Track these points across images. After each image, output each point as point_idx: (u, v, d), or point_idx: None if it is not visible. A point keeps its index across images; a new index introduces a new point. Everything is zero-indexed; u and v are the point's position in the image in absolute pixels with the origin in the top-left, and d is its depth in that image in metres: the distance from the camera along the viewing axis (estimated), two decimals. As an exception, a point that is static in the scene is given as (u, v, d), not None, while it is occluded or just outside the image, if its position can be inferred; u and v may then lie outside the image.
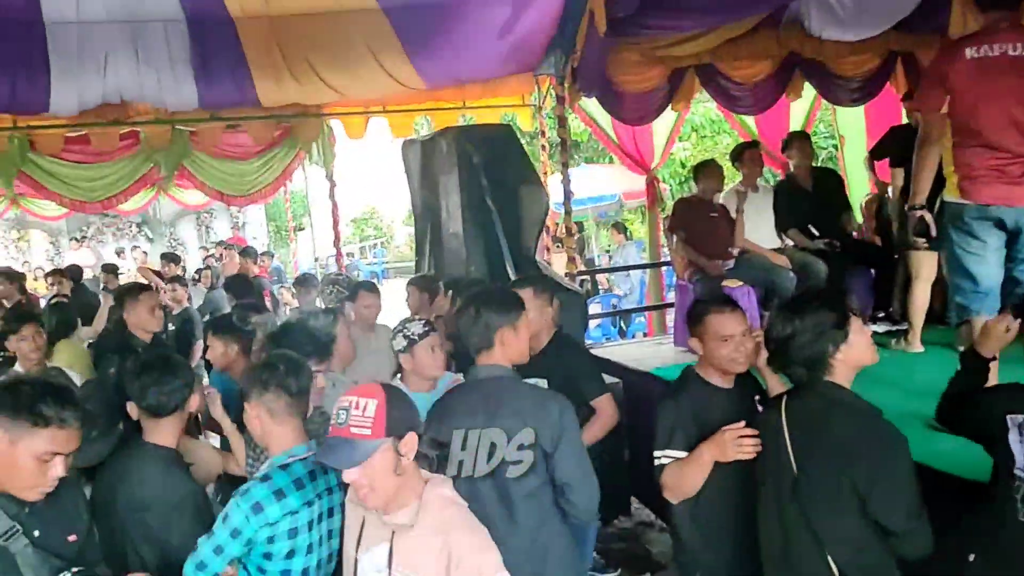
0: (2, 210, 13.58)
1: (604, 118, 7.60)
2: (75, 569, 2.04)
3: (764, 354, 2.78)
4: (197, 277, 10.42)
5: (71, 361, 4.74)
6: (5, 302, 6.90)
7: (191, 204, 14.78)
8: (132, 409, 2.65)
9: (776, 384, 2.92)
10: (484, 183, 6.03)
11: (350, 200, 8.89)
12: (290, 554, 2.39)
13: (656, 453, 2.83)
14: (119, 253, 16.89)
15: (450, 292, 4.84)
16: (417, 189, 7.10)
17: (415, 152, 7.01)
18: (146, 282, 8.48)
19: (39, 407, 1.95)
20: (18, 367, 4.52)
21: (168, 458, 2.63)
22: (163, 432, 2.64)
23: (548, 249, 7.86)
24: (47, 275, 9.02)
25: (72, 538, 2.16)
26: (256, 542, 2.36)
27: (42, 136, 7.36)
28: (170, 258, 10.31)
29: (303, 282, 6.81)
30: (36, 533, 2.03)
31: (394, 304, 5.78)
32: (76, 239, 18.09)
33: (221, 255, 12.07)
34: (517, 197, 6.07)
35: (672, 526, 3.06)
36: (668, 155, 9.12)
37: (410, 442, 2.08)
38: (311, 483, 2.45)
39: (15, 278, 7.50)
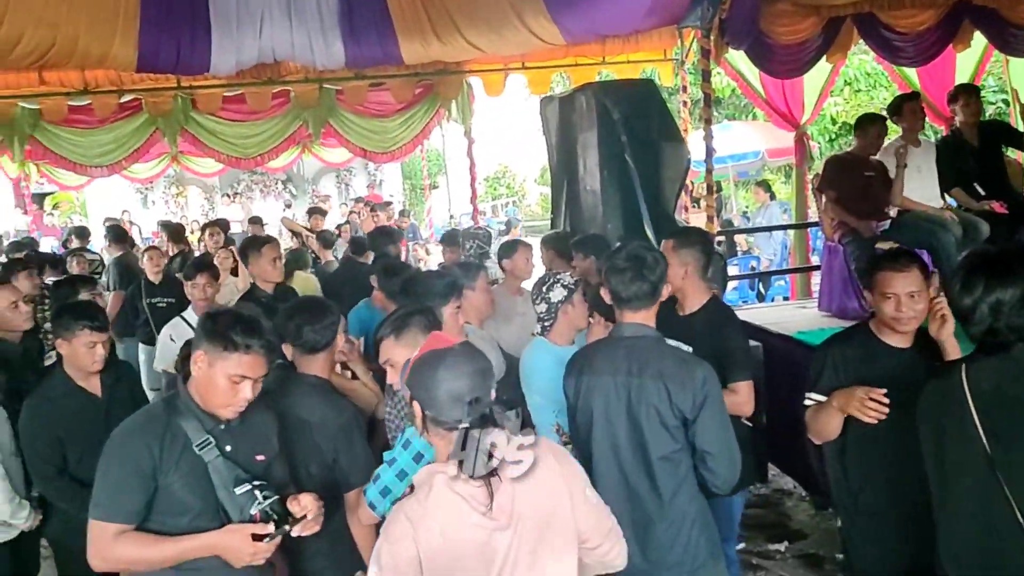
0: (164, 167, 14.60)
1: (751, 72, 7.28)
2: (256, 482, 2.24)
3: (949, 324, 2.65)
4: (338, 232, 10.84)
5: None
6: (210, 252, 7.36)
7: (333, 162, 15.32)
8: (287, 348, 2.85)
9: (954, 351, 2.73)
10: (623, 139, 5.92)
11: (483, 158, 8.95)
12: None
13: (806, 394, 2.88)
14: (288, 206, 17.77)
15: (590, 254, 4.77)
16: (554, 146, 7.07)
17: (553, 109, 6.96)
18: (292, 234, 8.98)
19: (230, 334, 2.20)
20: (190, 311, 4.86)
21: (327, 387, 2.87)
22: (317, 367, 2.85)
23: (686, 208, 7.64)
24: (203, 228, 9.66)
25: (260, 458, 2.35)
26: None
27: (202, 96, 7.80)
28: (317, 212, 10.76)
29: (449, 239, 6.89)
30: (228, 448, 2.26)
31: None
32: (228, 195, 19.14)
33: (359, 211, 12.53)
34: (657, 154, 5.93)
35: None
36: (819, 111, 8.65)
37: (417, 411, 1.97)
38: None
39: (226, 227, 8.33)
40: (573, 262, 4.76)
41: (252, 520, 2.20)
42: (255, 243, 5.04)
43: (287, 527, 2.22)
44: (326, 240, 8.42)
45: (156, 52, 6.04)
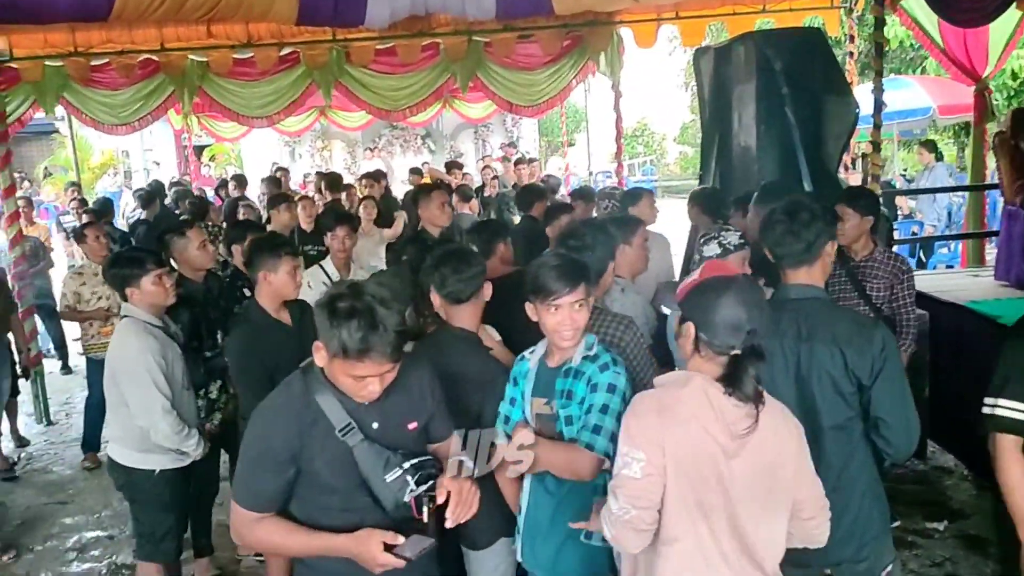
0: (312, 121, 15.17)
1: (929, 20, 6.72)
2: (407, 464, 2.07)
3: None
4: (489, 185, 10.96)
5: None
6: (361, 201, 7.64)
7: (472, 118, 15.46)
8: (434, 297, 2.82)
9: None
10: (785, 92, 5.62)
11: (624, 115, 8.75)
12: None
13: (986, 400, 2.33)
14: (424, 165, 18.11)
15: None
16: (707, 100, 6.81)
17: (708, 60, 6.69)
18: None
19: (345, 337, 1.91)
20: (328, 261, 5.03)
21: (474, 340, 2.81)
22: (464, 317, 2.80)
23: (846, 168, 7.23)
24: (360, 178, 10.11)
25: (412, 426, 2.19)
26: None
27: (356, 48, 7.99)
28: (454, 166, 10.92)
29: (582, 195, 6.80)
30: (375, 425, 2.08)
31: (662, 224, 5.63)
32: (370, 149, 19.68)
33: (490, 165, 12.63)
34: (821, 108, 5.60)
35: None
36: (1003, 64, 7.90)
37: (686, 330, 2.03)
38: None
39: (380, 177, 8.59)
40: (731, 220, 4.59)
41: (407, 506, 2.05)
42: (425, 189, 5.18)
43: (430, 540, 2.02)
44: (465, 194, 8.54)
45: (315, 5, 6.19)
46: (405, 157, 19.96)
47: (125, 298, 3.56)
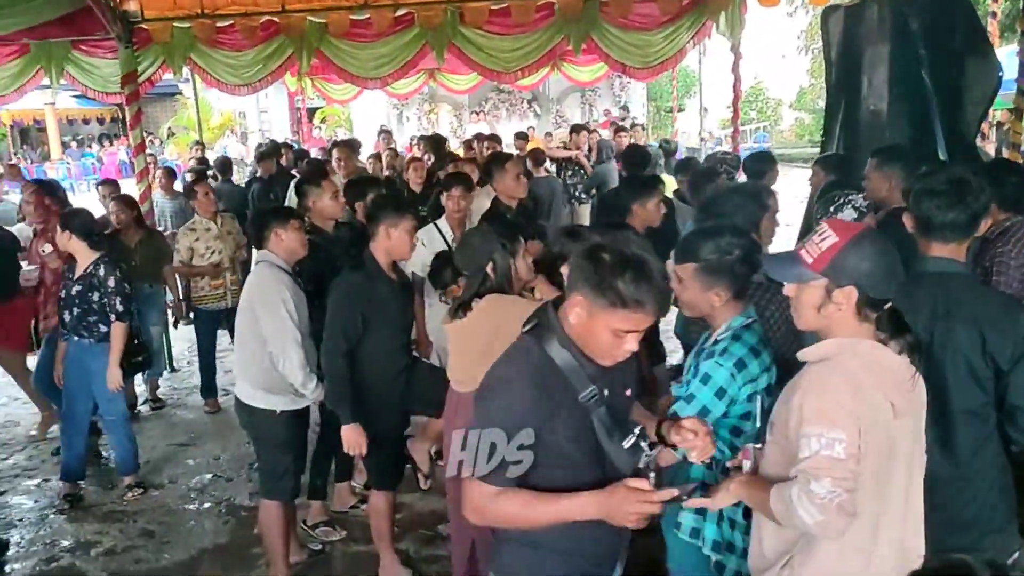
0: (421, 84, 15.30)
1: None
2: (637, 430, 2.04)
3: None
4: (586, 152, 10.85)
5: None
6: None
7: (580, 81, 15.25)
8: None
9: None
10: (921, 53, 5.29)
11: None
12: (745, 416, 2.44)
13: None
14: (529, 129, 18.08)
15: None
16: (834, 62, 6.48)
17: (837, 20, 6.37)
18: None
19: (618, 287, 1.86)
20: (444, 220, 5.04)
21: None
22: None
23: (983, 136, 6.77)
24: (472, 139, 10.28)
25: (628, 392, 2.16)
26: (737, 400, 2.42)
27: (470, 9, 7.95)
28: (582, 129, 10.83)
29: (683, 168, 6.53)
30: (605, 392, 2.03)
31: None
32: (476, 112, 19.79)
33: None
34: (962, 70, 5.23)
35: None
36: None
37: (846, 295, 1.95)
38: (759, 357, 2.45)
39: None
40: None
41: (639, 475, 1.99)
42: (499, 159, 5.20)
43: (684, 492, 1.99)
44: (537, 158, 8.54)
45: (432, -36, 6.21)
46: (510, 121, 20.01)
47: (261, 246, 3.80)
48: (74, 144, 27.49)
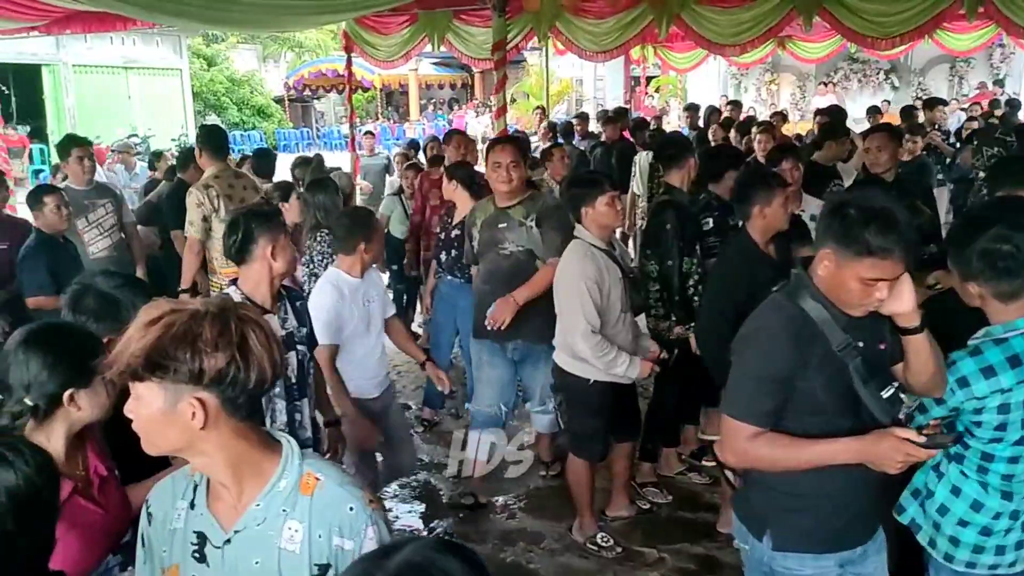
0: (768, 52, 14.58)
1: None
2: (896, 382, 2.10)
3: None
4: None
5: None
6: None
7: (954, 50, 13.58)
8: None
9: None
10: None
11: None
12: (1000, 427, 2.22)
13: None
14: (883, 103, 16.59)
15: None
16: None
17: None
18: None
19: (864, 236, 1.94)
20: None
21: None
22: None
23: None
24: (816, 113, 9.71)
25: (882, 346, 2.16)
26: (963, 410, 2.27)
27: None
28: (931, 104, 9.75)
29: None
30: (860, 344, 2.08)
31: None
32: (824, 83, 18.51)
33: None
34: None
35: None
36: None
37: None
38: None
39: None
40: None
41: (898, 423, 2.06)
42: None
43: (949, 437, 2.11)
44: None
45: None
46: (862, 94, 18.39)
47: (579, 219, 3.72)
48: (430, 107, 30.47)
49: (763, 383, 2.11)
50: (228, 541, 1.48)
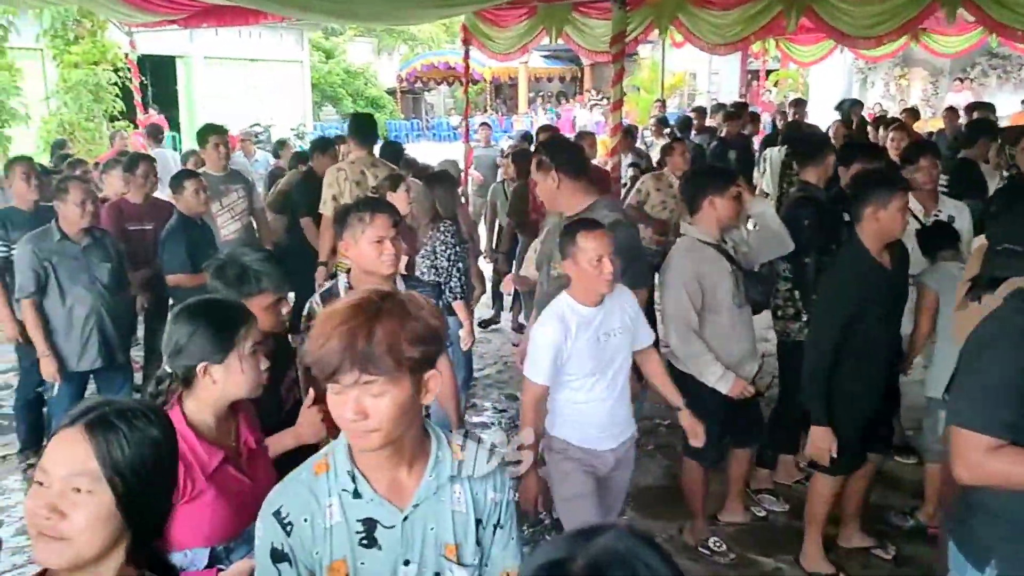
0: (900, 46, 13.74)
1: None
2: None
3: None
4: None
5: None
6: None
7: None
8: None
9: None
10: None
11: None
12: None
13: None
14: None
15: None
16: None
17: None
18: None
19: None
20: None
21: None
22: None
23: None
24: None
25: None
26: None
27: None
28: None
29: None
30: None
31: None
32: (959, 79, 17.45)
33: None
34: None
35: None
36: None
37: None
38: None
39: None
40: None
41: None
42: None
43: None
44: None
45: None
46: (1001, 91, 17.21)
47: (695, 210, 3.60)
48: (538, 100, 30.49)
49: (1005, 391, 1.92)
50: (406, 518, 1.58)
